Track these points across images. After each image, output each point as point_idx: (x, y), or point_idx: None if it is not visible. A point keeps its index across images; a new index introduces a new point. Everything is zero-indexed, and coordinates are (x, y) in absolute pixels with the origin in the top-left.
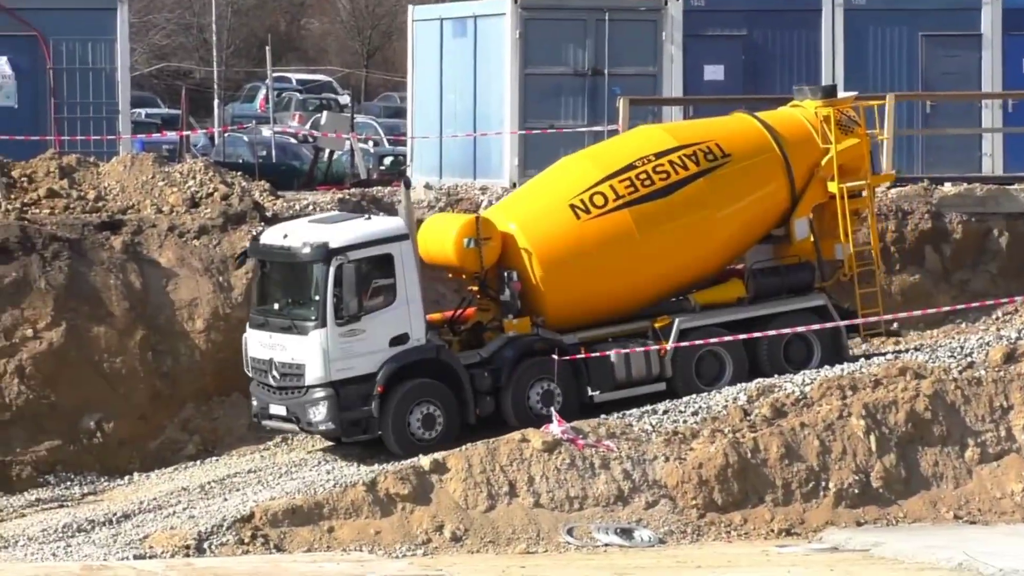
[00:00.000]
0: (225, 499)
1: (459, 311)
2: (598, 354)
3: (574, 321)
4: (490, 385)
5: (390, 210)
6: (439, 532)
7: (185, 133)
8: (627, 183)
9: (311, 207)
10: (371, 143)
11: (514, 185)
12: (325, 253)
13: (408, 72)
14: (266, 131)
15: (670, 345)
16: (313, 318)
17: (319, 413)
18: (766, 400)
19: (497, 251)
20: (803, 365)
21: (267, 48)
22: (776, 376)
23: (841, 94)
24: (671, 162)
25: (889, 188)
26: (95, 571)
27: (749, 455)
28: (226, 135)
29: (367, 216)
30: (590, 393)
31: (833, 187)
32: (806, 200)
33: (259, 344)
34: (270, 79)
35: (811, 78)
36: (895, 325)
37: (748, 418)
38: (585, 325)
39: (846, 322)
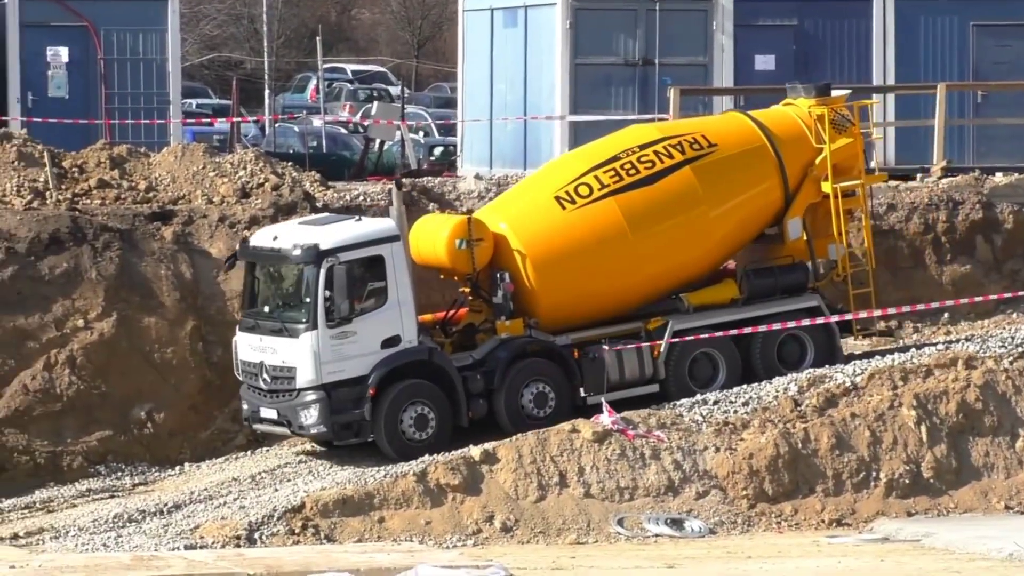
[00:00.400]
0: (276, 489)
1: (451, 312)
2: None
3: (567, 322)
4: (483, 387)
5: (441, 200)
6: (489, 522)
7: (235, 119)
8: (611, 173)
9: (361, 197)
10: (421, 133)
11: None
12: (316, 255)
13: (458, 62)
14: (317, 121)
15: (664, 346)
16: (304, 320)
17: (310, 416)
18: (816, 390)
19: (489, 252)
20: (796, 366)
21: (318, 39)
22: (826, 367)
23: (834, 92)
24: (656, 152)
25: (940, 178)
26: (146, 561)
27: (800, 445)
28: (277, 125)
29: (358, 217)
30: (582, 395)
31: (827, 187)
32: (799, 200)
33: (249, 347)
34: (321, 69)
35: (862, 68)
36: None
37: (799, 408)
38: (578, 326)
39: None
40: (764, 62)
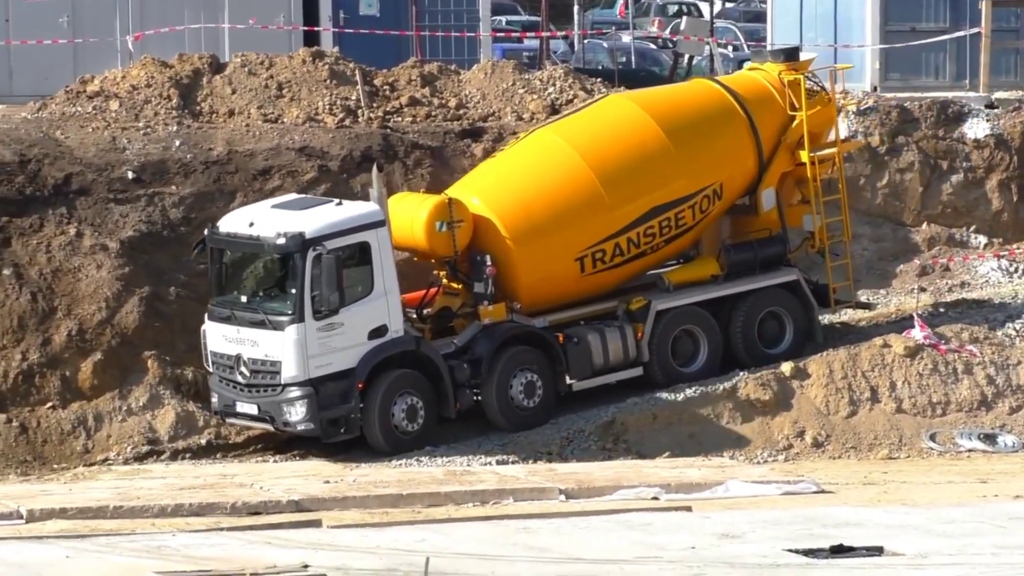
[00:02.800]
0: (587, 406)
1: (427, 296)
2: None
3: (549, 301)
4: (469, 376)
5: None
6: (800, 438)
7: (544, 35)
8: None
9: None
10: (730, 48)
11: (875, 89)
12: (301, 243)
13: None
14: (626, 37)
15: (647, 328)
16: (289, 312)
17: (297, 413)
18: None
19: (469, 233)
20: (776, 343)
21: None
22: None
23: (801, 56)
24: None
25: None
26: (458, 476)
27: None
28: (586, 41)
29: (337, 201)
30: (568, 381)
31: (803, 155)
32: (773, 168)
33: (223, 338)
34: None
35: None
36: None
37: None
38: (555, 307)
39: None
40: None
